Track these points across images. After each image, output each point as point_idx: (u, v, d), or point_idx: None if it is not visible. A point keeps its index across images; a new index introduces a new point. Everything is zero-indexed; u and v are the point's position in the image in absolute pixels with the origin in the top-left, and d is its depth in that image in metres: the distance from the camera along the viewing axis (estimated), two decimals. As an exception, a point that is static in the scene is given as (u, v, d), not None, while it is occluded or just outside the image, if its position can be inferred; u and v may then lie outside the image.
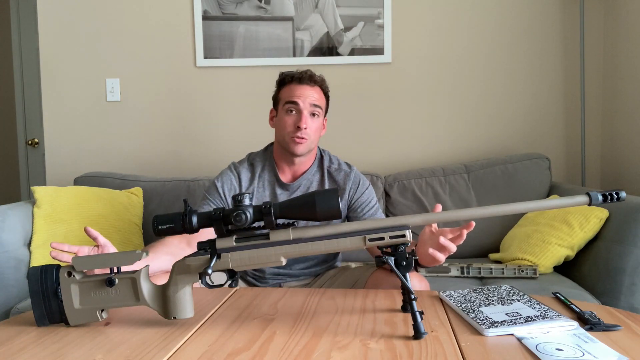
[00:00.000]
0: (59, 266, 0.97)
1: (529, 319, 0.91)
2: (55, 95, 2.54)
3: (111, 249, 1.15)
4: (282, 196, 1.52)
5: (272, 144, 1.60)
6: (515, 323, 0.89)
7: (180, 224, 0.92)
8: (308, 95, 1.48)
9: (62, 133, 2.54)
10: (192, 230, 0.93)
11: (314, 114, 1.49)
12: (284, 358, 0.80)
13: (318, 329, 0.92)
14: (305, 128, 1.46)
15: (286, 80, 1.53)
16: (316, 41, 2.46)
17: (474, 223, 1.10)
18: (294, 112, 1.48)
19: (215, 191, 1.51)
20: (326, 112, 1.58)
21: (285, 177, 1.54)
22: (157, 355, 0.82)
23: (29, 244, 1.93)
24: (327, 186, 1.53)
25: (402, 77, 2.48)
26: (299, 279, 1.56)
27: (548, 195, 2.17)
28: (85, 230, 1.16)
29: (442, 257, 1.10)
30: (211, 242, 0.93)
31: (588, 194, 0.86)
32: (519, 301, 1.01)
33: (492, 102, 2.47)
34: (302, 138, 1.46)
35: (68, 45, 2.52)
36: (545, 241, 1.81)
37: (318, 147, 1.60)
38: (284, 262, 0.92)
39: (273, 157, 1.56)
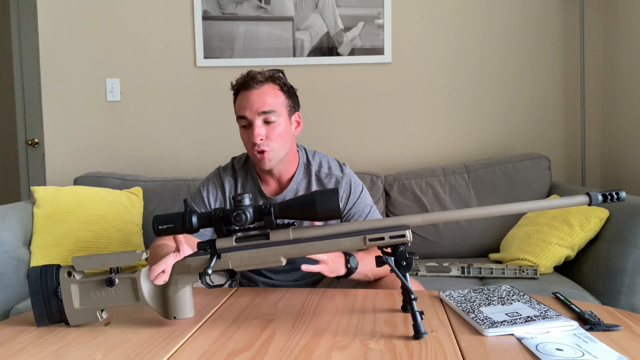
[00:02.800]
0: (59, 266, 0.97)
1: (529, 319, 0.91)
2: (55, 95, 2.54)
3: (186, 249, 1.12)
4: None
5: None
6: (515, 323, 0.89)
7: (180, 224, 0.92)
8: (254, 102, 1.31)
9: (62, 133, 2.54)
10: (192, 230, 0.93)
11: (268, 121, 1.32)
12: (284, 358, 0.80)
13: (318, 329, 0.92)
14: (261, 139, 1.31)
15: (235, 91, 1.38)
16: (316, 41, 2.46)
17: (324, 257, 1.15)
18: (246, 125, 1.34)
19: (200, 200, 1.44)
20: (293, 107, 1.40)
21: (269, 188, 1.44)
22: (157, 355, 0.82)
23: (29, 244, 1.93)
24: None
25: (402, 77, 2.48)
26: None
27: (548, 195, 2.17)
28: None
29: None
30: (211, 242, 0.93)
31: (588, 194, 0.86)
32: (519, 301, 1.01)
33: (492, 102, 2.47)
34: (263, 151, 1.32)
35: (68, 45, 2.52)
36: (545, 241, 1.81)
37: (304, 149, 1.48)
38: (284, 262, 0.92)
39: (254, 167, 1.46)
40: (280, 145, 1.34)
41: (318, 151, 1.51)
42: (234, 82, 1.39)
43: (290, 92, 1.39)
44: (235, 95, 1.39)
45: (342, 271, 1.22)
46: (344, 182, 1.43)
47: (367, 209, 1.44)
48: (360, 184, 1.46)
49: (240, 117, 1.35)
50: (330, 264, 1.18)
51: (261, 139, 1.31)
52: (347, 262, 1.23)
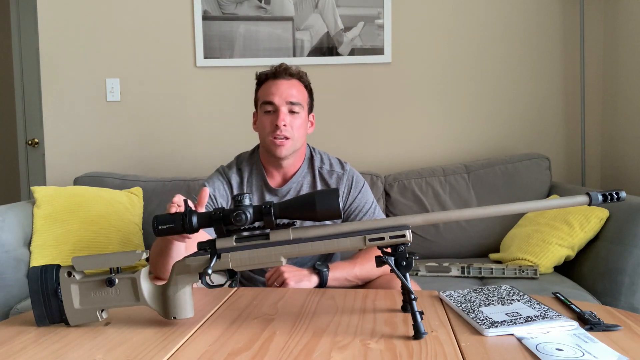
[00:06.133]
0: (59, 266, 0.97)
1: (529, 319, 0.91)
2: (55, 95, 2.54)
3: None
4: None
5: (258, 146, 1.53)
6: (515, 323, 0.89)
7: (180, 224, 0.92)
8: (284, 91, 1.40)
9: (62, 133, 2.54)
10: (192, 230, 0.93)
11: (293, 112, 1.41)
12: (284, 358, 0.80)
13: (318, 329, 0.92)
14: (285, 125, 1.38)
15: (262, 78, 1.45)
16: (316, 41, 2.46)
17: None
18: (271, 111, 1.41)
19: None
20: (311, 107, 1.50)
21: (274, 181, 1.48)
22: (157, 355, 0.82)
23: (29, 244, 1.93)
24: (319, 189, 1.47)
25: (402, 77, 2.48)
26: None
27: (548, 195, 2.17)
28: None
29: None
30: (211, 242, 0.93)
31: (588, 194, 0.86)
32: (519, 301, 1.01)
33: (492, 102, 2.47)
34: (284, 138, 1.39)
35: (68, 45, 2.52)
36: (545, 241, 1.81)
37: (308, 145, 1.54)
38: (284, 262, 0.92)
39: (260, 161, 1.50)
40: (298, 137, 1.42)
41: (319, 149, 1.56)
42: (260, 72, 1.47)
43: (311, 93, 1.50)
44: (261, 83, 1.47)
45: (311, 278, 1.28)
46: (345, 178, 1.48)
47: (368, 204, 1.48)
48: (362, 180, 1.51)
49: (266, 103, 1.42)
50: (288, 271, 1.26)
51: (284, 125, 1.38)
52: (313, 267, 1.30)
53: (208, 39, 2.48)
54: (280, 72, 1.42)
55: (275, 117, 1.40)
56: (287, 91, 1.41)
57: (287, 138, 1.39)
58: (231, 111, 2.51)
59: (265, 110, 1.42)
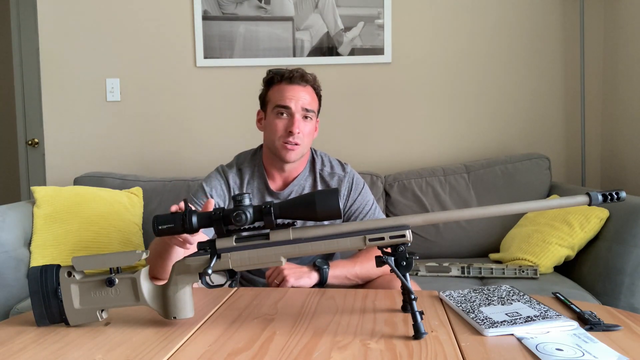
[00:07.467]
0: (59, 266, 0.97)
1: (529, 319, 0.91)
2: (55, 95, 2.54)
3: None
4: None
5: (261, 146, 1.52)
6: (515, 323, 0.89)
7: (180, 224, 0.92)
8: (300, 98, 1.40)
9: (62, 133, 2.54)
10: (192, 230, 0.93)
11: (306, 117, 1.41)
12: (284, 358, 0.80)
13: (318, 329, 0.92)
14: (298, 133, 1.38)
15: (275, 79, 1.43)
16: (316, 41, 2.46)
17: None
18: (284, 115, 1.40)
19: (203, 195, 1.45)
20: (318, 113, 1.49)
21: (275, 184, 1.48)
22: (157, 355, 0.82)
23: (29, 244, 1.93)
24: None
25: (402, 77, 2.48)
26: None
27: (548, 195, 2.17)
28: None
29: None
30: (211, 242, 0.93)
31: (588, 194, 0.86)
32: (519, 301, 1.01)
33: (492, 102, 2.47)
34: (295, 144, 1.38)
35: (68, 45, 2.52)
36: (545, 241, 1.81)
37: (311, 148, 1.53)
38: (284, 262, 0.92)
39: (262, 162, 1.49)
40: (307, 143, 1.43)
41: (320, 150, 1.56)
42: (274, 72, 1.45)
43: (320, 99, 1.49)
44: (271, 84, 1.45)
45: (311, 275, 1.28)
46: (346, 180, 1.49)
47: (368, 205, 1.49)
48: (361, 181, 1.52)
49: (281, 107, 1.40)
50: (287, 269, 1.26)
51: (298, 132, 1.38)
52: (313, 264, 1.30)
53: (208, 39, 2.48)
54: (295, 78, 1.41)
55: (289, 123, 1.39)
56: (303, 98, 1.40)
57: (297, 144, 1.39)
58: (231, 111, 2.51)
59: (278, 113, 1.40)
